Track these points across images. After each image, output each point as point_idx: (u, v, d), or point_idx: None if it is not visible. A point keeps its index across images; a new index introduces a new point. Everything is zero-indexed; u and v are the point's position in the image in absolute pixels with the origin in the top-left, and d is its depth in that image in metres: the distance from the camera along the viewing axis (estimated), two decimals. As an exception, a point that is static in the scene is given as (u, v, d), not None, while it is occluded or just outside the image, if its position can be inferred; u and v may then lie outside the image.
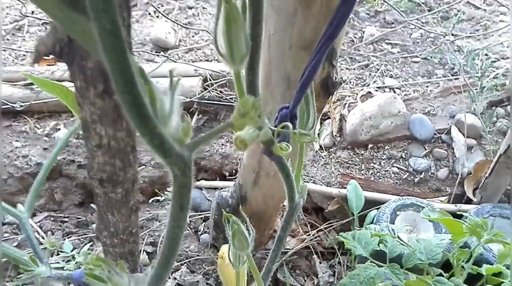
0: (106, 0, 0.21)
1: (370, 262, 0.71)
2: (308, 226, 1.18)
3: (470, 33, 1.44)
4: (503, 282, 0.82)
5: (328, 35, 0.42)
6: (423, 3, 1.60)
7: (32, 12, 1.71)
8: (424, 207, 1.00)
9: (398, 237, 0.74)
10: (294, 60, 0.59)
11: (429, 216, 0.82)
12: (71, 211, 1.27)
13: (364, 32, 1.52)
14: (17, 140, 1.27)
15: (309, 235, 1.15)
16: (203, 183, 1.25)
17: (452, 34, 1.46)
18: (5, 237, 1.20)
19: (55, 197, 1.25)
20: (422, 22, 1.56)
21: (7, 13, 1.72)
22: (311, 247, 1.14)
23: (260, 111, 0.36)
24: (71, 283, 0.71)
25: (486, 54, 1.34)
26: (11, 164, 1.23)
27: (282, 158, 0.47)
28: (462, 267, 0.86)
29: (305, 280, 1.11)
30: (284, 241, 0.61)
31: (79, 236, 1.18)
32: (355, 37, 1.52)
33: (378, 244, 0.69)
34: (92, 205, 1.24)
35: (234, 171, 1.25)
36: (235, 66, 0.35)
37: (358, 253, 0.67)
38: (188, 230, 1.20)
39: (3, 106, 1.28)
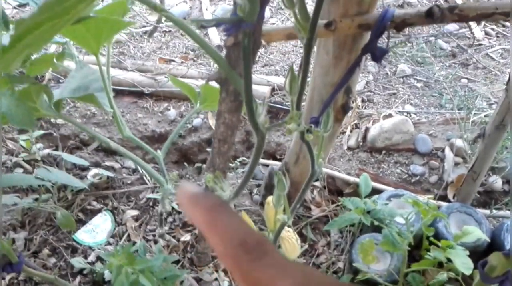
0: (247, 72, 0.58)
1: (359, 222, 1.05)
2: (330, 201, 1.52)
3: (481, 79, 1.71)
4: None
5: (341, 82, 0.78)
6: (450, 51, 1.87)
7: (157, 21, 2.16)
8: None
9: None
10: (326, 90, 0.94)
11: (407, 200, 1.13)
12: (168, 166, 1.69)
13: (398, 67, 1.82)
14: (140, 113, 1.70)
15: (329, 207, 1.50)
16: (260, 160, 1.63)
17: (467, 79, 1.72)
18: (126, 177, 1.63)
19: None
20: (446, 66, 1.84)
21: (137, 19, 2.18)
22: (329, 216, 1.48)
23: (299, 116, 0.72)
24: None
25: (488, 97, 1.60)
26: (135, 128, 1.67)
27: (309, 142, 0.82)
28: (427, 238, 1.16)
29: (321, 238, 1.45)
30: (306, 192, 0.96)
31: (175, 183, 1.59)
32: (389, 71, 1.83)
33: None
34: (185, 163, 1.65)
35: (283, 155, 1.61)
36: (291, 96, 0.72)
37: (348, 207, 1.01)
38: (245, 191, 1.58)
39: (134, 89, 1.71)
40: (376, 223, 1.01)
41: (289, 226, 1.03)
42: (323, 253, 1.33)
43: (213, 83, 1.49)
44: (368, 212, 1.10)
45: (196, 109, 1.12)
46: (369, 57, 0.75)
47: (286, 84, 0.74)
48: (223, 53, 0.71)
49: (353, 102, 0.95)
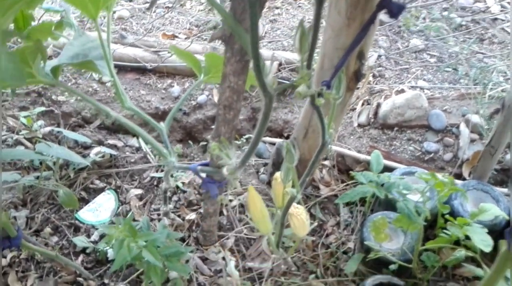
0: (254, 25, 0.54)
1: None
2: (339, 181, 1.48)
3: (497, 53, 1.64)
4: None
5: (354, 42, 0.73)
6: (464, 25, 1.80)
7: (151, 3, 2.10)
8: (426, 177, 1.26)
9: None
10: (338, 55, 0.89)
11: (421, 176, 1.09)
12: (173, 145, 1.65)
13: (410, 42, 1.76)
14: (143, 90, 1.66)
15: (338, 186, 1.45)
16: (267, 139, 1.59)
17: (482, 53, 1.66)
18: (129, 155, 1.60)
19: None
20: (461, 41, 1.77)
21: (141, -4, 2.13)
22: (338, 195, 1.44)
23: (310, 77, 0.68)
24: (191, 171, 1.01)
25: (505, 72, 1.54)
26: (138, 105, 1.63)
27: (319, 108, 0.78)
28: (443, 216, 1.12)
29: (330, 217, 1.41)
30: (316, 164, 0.92)
31: (180, 159, 1.55)
32: (402, 45, 1.77)
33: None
34: (189, 141, 1.61)
35: (291, 133, 1.56)
36: (301, 55, 0.67)
37: (360, 181, 0.97)
38: (252, 170, 1.54)
39: (137, 64, 1.67)
40: (390, 196, 0.96)
41: (298, 203, 0.99)
42: (332, 233, 1.30)
43: (218, 52, 1.44)
44: (382, 186, 1.05)
45: (200, 81, 1.08)
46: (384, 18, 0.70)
47: (296, 41, 0.69)
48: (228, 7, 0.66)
49: (365, 70, 0.90)
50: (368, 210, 1.33)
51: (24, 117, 1.50)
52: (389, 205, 1.14)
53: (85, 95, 0.85)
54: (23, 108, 1.59)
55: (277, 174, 1.11)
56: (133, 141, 1.63)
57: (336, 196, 1.45)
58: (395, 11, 0.69)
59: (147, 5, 2.05)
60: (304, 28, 0.66)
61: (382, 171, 1.31)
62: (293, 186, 0.90)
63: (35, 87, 1.63)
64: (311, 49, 0.66)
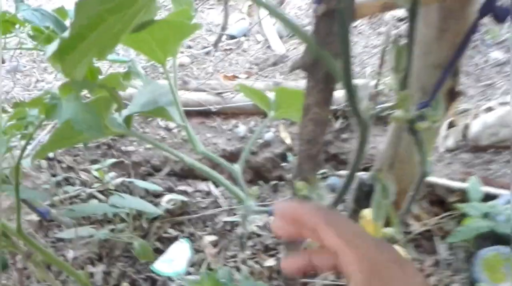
0: (345, 47, 0.46)
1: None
2: (431, 214, 1.33)
3: None
4: None
5: (452, 59, 0.64)
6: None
7: (215, 43, 2.13)
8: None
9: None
10: (428, 74, 0.79)
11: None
12: (243, 186, 1.59)
13: (489, 56, 1.61)
14: (208, 133, 1.64)
15: (431, 220, 1.30)
16: (342, 172, 1.48)
17: None
18: (200, 200, 1.56)
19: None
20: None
21: (198, 41, 2.16)
22: (432, 230, 1.29)
23: (408, 99, 0.59)
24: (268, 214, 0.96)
25: None
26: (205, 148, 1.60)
27: (418, 133, 0.68)
28: None
29: (426, 256, 1.26)
30: (415, 198, 0.81)
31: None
32: (480, 60, 1.62)
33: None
34: (259, 181, 1.55)
35: (367, 165, 1.45)
36: (397, 75, 0.58)
37: (470, 213, 0.83)
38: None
39: (201, 108, 1.66)
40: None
41: (394, 242, 0.87)
42: (432, 274, 1.14)
43: (288, 85, 1.37)
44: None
45: (271, 118, 1.02)
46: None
47: (392, 60, 0.60)
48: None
49: (457, 86, 0.80)
50: (472, 245, 1.17)
51: (96, 170, 1.52)
52: (498, 238, 0.99)
53: (158, 143, 0.81)
54: (94, 161, 1.62)
55: (365, 212, 1.00)
56: (202, 186, 1.59)
57: (429, 231, 1.30)
58: (501, 16, 0.60)
59: (206, 50, 2.07)
60: (400, 45, 0.58)
61: (482, 199, 1.16)
62: (386, 225, 0.80)
63: (105, 139, 1.66)
64: (407, 66, 0.57)
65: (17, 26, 0.88)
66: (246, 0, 2.35)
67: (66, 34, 0.43)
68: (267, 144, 1.57)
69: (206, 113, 1.68)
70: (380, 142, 1.46)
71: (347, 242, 0.30)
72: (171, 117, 0.85)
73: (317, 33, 0.55)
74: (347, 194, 0.67)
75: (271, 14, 0.50)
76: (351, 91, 0.53)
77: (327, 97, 0.64)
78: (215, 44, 1.41)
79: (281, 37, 2.01)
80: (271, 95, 0.98)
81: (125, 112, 0.87)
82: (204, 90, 1.70)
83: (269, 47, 2.00)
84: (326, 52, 0.55)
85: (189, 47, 2.10)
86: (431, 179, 1.31)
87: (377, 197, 0.76)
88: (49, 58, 0.47)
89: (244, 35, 2.10)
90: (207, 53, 2.06)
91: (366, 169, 1.46)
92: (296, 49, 1.96)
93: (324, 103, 0.65)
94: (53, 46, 0.48)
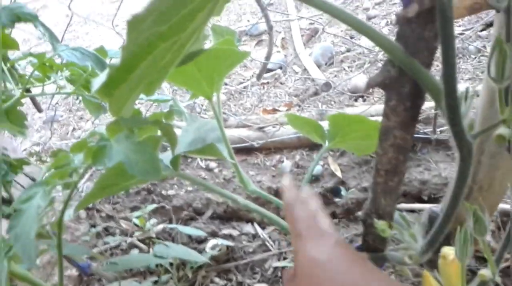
0: (448, 46, 0.37)
1: None
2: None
3: None
4: None
5: None
6: None
7: (251, 76, 2.08)
8: None
9: None
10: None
11: None
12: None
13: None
14: (252, 170, 1.55)
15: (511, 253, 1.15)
16: (403, 205, 1.35)
17: None
18: (246, 244, 1.45)
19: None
20: None
21: (234, 78, 2.12)
22: (516, 267, 1.13)
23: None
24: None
25: None
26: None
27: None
28: None
29: (513, 298, 1.10)
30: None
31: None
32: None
33: None
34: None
35: (432, 196, 1.32)
36: (501, 85, 0.48)
37: None
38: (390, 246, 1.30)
39: (243, 145, 1.58)
40: None
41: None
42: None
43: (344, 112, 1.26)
44: None
45: (326, 149, 0.93)
46: None
47: (492, 66, 0.50)
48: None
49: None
50: None
51: (137, 218, 1.45)
52: None
53: (209, 184, 0.73)
54: (134, 208, 1.55)
55: (446, 250, 0.87)
56: (248, 228, 1.49)
57: (509, 267, 1.14)
58: None
59: (242, 85, 2.02)
60: (505, 47, 0.48)
61: None
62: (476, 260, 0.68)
63: (144, 184, 1.60)
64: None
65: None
66: (279, 33, 2.32)
67: (117, 61, 0.36)
68: (316, 179, 1.46)
69: (247, 150, 1.60)
70: (443, 169, 1.33)
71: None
72: (220, 154, 0.77)
73: (404, 41, 0.46)
74: (442, 234, 0.56)
75: (352, 27, 0.41)
76: (455, 106, 0.43)
77: (413, 117, 0.54)
78: (259, 75, 1.34)
79: (319, 66, 1.94)
80: (323, 124, 0.90)
81: (167, 154, 0.79)
82: (244, 126, 1.63)
83: (307, 77, 1.93)
84: (415, 62, 0.46)
85: (225, 84, 2.06)
86: (506, 206, 1.17)
87: (463, 234, 0.64)
88: (97, 91, 0.40)
89: (280, 68, 2.04)
90: (244, 87, 2.01)
91: (429, 200, 1.33)
92: (336, 77, 1.88)
93: (409, 124, 0.55)
94: (101, 78, 0.40)
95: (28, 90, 0.83)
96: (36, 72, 0.81)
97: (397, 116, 0.54)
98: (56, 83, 0.82)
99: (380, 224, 0.60)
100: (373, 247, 0.75)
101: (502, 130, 0.51)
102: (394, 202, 0.67)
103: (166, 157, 0.78)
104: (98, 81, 0.40)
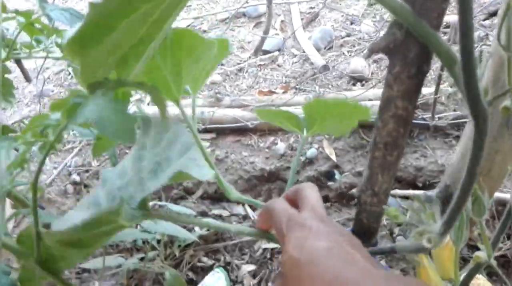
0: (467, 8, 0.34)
1: None
2: (505, 236, 1.16)
3: None
4: None
5: None
6: None
7: (249, 57, 2.05)
8: None
9: None
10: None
11: None
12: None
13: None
14: (245, 151, 1.53)
15: (505, 244, 1.14)
16: (397, 191, 1.33)
17: None
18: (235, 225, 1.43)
19: (272, 195, 1.46)
20: None
21: (231, 58, 2.08)
22: (509, 255, 1.12)
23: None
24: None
25: None
26: (241, 168, 1.49)
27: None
28: None
29: (502, 287, 1.09)
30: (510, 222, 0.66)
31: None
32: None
33: None
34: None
35: (427, 183, 1.30)
36: (510, 53, 0.45)
37: None
38: (385, 232, 1.29)
39: (237, 124, 1.56)
40: None
41: (486, 268, 0.73)
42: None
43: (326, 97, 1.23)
44: None
45: (304, 139, 0.88)
46: None
47: (502, 34, 0.47)
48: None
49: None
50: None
51: (126, 193, 1.42)
52: None
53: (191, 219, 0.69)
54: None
55: (439, 236, 0.85)
56: (238, 209, 1.47)
57: (504, 256, 1.13)
58: None
59: (238, 66, 1.99)
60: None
61: None
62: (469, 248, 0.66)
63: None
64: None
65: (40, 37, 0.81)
66: (278, 16, 2.28)
67: (92, 15, 0.31)
68: (310, 162, 1.44)
69: (241, 131, 1.57)
70: (440, 156, 1.31)
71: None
72: (197, 177, 0.70)
73: (411, 0, 0.44)
74: (459, 212, 0.53)
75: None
76: (471, 67, 0.40)
77: (417, 85, 0.51)
78: (256, 51, 1.31)
79: (318, 50, 1.90)
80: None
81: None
82: (239, 106, 1.60)
83: (305, 60, 1.90)
84: (423, 24, 0.43)
85: (221, 64, 2.03)
86: (502, 195, 1.15)
87: (462, 216, 0.62)
88: (65, 47, 0.35)
89: (278, 50, 2.01)
90: (240, 70, 1.97)
91: (424, 187, 1.31)
92: (335, 61, 1.85)
93: (413, 93, 0.52)
94: (73, 31, 0.35)
95: (18, 61, 0.80)
96: (27, 39, 0.78)
97: (401, 84, 0.51)
98: (45, 51, 0.79)
99: (391, 210, 0.57)
100: (366, 226, 0.73)
101: (507, 102, 0.49)
102: (391, 178, 0.65)
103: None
104: (69, 33, 0.35)
